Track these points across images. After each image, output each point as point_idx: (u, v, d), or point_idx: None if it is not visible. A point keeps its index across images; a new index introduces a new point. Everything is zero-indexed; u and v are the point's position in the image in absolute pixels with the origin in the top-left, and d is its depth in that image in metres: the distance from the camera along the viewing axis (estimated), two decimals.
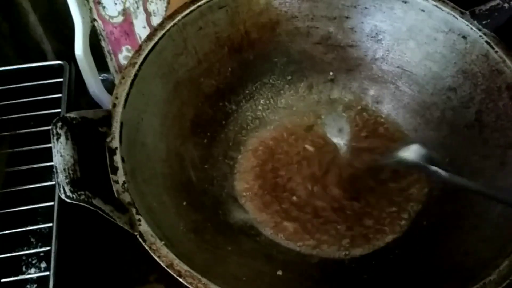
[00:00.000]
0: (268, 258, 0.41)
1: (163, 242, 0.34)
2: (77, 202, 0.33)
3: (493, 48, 0.44)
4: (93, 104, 0.64)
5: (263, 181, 0.48)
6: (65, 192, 0.33)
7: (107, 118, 0.39)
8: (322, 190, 0.46)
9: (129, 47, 0.61)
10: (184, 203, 0.42)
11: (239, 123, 0.52)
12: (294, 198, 0.46)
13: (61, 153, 0.35)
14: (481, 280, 0.33)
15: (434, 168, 0.39)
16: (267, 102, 0.54)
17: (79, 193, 0.33)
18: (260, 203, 0.46)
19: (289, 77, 0.54)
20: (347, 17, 0.51)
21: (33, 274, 0.42)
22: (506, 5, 0.44)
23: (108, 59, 0.63)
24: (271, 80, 0.54)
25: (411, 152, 0.41)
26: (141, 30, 0.60)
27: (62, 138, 0.35)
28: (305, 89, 0.54)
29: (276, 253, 0.43)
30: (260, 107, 0.53)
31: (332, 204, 0.46)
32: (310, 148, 0.50)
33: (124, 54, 0.62)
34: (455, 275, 0.36)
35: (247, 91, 0.53)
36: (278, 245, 0.44)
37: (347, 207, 0.46)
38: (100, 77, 0.63)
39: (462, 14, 0.46)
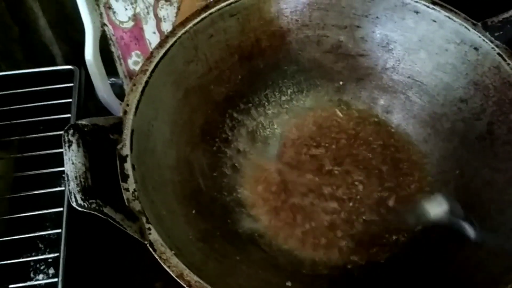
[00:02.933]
0: (276, 269, 0.41)
1: (173, 252, 0.34)
2: (88, 211, 0.33)
3: (505, 60, 0.44)
4: (101, 108, 0.64)
5: (271, 189, 0.47)
6: (76, 200, 0.33)
7: (118, 125, 0.39)
8: (332, 200, 0.46)
9: (139, 52, 0.62)
10: (193, 211, 0.42)
11: (249, 131, 0.52)
12: (303, 206, 0.46)
13: (72, 160, 0.35)
14: None
15: (462, 223, 0.39)
16: (277, 110, 0.53)
17: (90, 201, 0.33)
18: (269, 212, 0.46)
19: (299, 85, 0.54)
20: (358, 26, 0.51)
21: (41, 280, 0.42)
22: None
23: (118, 64, 0.63)
24: (281, 88, 0.54)
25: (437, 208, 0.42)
26: (151, 36, 0.60)
27: (74, 146, 0.35)
28: (315, 97, 0.54)
29: (285, 264, 0.42)
30: (269, 115, 0.53)
31: (341, 213, 0.46)
32: (319, 154, 0.50)
33: (134, 59, 0.62)
34: None
35: (256, 99, 0.53)
36: (287, 255, 0.43)
37: (357, 215, 0.46)
38: (109, 82, 0.63)
39: (474, 25, 0.46)
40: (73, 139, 0.36)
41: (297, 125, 0.52)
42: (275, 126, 0.53)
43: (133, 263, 0.54)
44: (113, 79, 0.69)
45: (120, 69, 0.63)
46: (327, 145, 0.50)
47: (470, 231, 0.39)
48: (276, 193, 0.47)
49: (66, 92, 0.52)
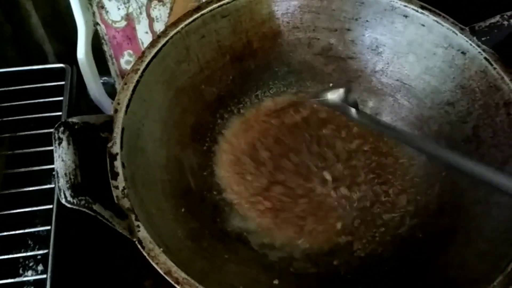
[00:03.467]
0: (264, 267, 0.42)
1: (161, 249, 0.34)
2: (77, 207, 0.34)
3: (491, 65, 0.45)
4: (93, 106, 0.65)
5: (258, 188, 0.48)
6: (65, 197, 0.33)
7: (109, 123, 0.39)
8: (320, 201, 0.47)
9: (131, 52, 0.62)
10: (183, 209, 0.42)
11: (239, 130, 0.52)
12: (292, 206, 0.47)
13: (62, 157, 0.35)
14: None
15: (352, 109, 0.45)
16: (267, 110, 0.54)
17: (79, 198, 0.33)
18: (257, 211, 0.47)
19: (290, 86, 0.55)
20: (348, 29, 0.52)
21: (30, 276, 0.42)
22: (505, 22, 0.45)
23: (110, 63, 0.63)
24: (271, 89, 0.54)
25: (336, 94, 0.46)
26: (144, 35, 0.60)
27: (64, 143, 0.36)
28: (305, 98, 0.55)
29: (273, 262, 0.43)
30: (260, 115, 0.53)
31: (328, 213, 0.46)
32: (310, 156, 0.50)
33: (126, 59, 0.62)
34: None
35: (247, 99, 0.53)
36: (275, 253, 0.44)
37: (344, 214, 0.46)
38: (101, 81, 0.63)
39: (462, 30, 0.47)
40: (63, 137, 0.36)
41: (288, 124, 0.53)
42: (266, 126, 0.53)
43: (123, 261, 0.54)
44: (105, 78, 0.69)
45: (112, 68, 0.63)
46: (314, 145, 0.51)
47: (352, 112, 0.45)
48: (265, 192, 0.47)
49: (58, 91, 0.53)
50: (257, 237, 0.45)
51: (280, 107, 0.53)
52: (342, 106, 0.47)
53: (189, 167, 0.46)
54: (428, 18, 0.48)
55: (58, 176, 0.34)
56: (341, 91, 0.47)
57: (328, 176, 0.48)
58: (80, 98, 0.61)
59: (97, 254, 0.50)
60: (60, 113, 0.50)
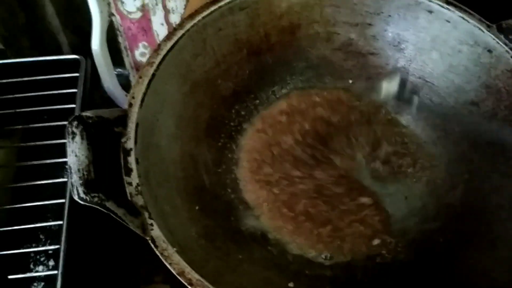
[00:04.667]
0: (279, 269, 0.41)
1: (175, 249, 0.33)
2: (90, 204, 0.33)
3: None
4: (107, 98, 0.64)
5: (274, 187, 0.47)
6: (78, 194, 0.33)
7: (123, 118, 0.39)
8: (337, 200, 0.46)
9: (146, 44, 0.61)
10: (197, 207, 0.41)
11: (255, 127, 0.51)
12: (308, 206, 0.45)
13: (76, 153, 0.34)
14: None
15: None
16: (284, 107, 0.53)
17: (92, 195, 0.33)
18: (272, 210, 0.45)
19: (308, 82, 0.53)
20: (369, 24, 0.50)
21: (40, 272, 0.41)
22: None
23: (124, 55, 0.62)
24: (289, 84, 0.53)
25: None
26: (159, 27, 0.59)
27: (78, 138, 0.35)
28: (323, 95, 0.53)
29: (287, 264, 0.42)
30: (277, 111, 0.52)
31: (344, 211, 0.45)
32: (326, 153, 0.49)
33: (141, 51, 0.61)
34: None
35: (264, 95, 0.52)
36: (290, 254, 0.43)
37: (362, 214, 0.45)
38: (115, 72, 0.63)
39: (488, 27, 0.45)
40: (77, 131, 0.35)
41: (305, 121, 0.51)
42: (282, 122, 0.52)
43: (133, 256, 0.54)
44: (119, 70, 0.68)
45: (127, 60, 0.63)
46: (334, 143, 0.49)
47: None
48: (280, 191, 0.46)
49: (72, 82, 0.52)
50: (272, 237, 0.44)
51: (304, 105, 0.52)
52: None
53: (203, 164, 0.45)
54: (453, 14, 0.46)
55: (71, 172, 0.33)
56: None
57: (350, 181, 0.47)
58: (94, 90, 0.61)
59: (108, 249, 0.50)
60: (73, 106, 0.50)
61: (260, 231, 0.44)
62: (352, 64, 0.52)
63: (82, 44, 0.62)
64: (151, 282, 0.56)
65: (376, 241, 0.43)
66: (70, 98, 0.51)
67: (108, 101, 0.64)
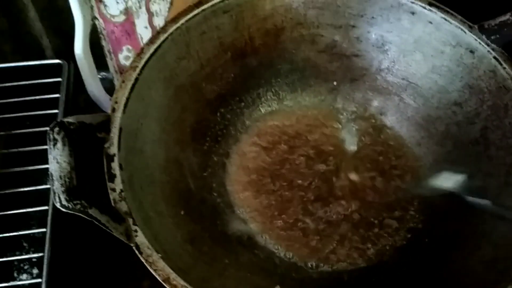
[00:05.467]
0: (266, 272, 0.41)
1: (160, 255, 0.33)
2: (72, 212, 0.32)
3: (501, 64, 0.43)
4: (91, 103, 0.63)
5: (260, 190, 0.47)
6: (60, 201, 0.32)
7: (106, 123, 0.38)
8: (322, 201, 0.46)
9: (130, 47, 0.60)
10: (182, 212, 0.41)
11: (240, 130, 0.51)
12: (294, 208, 0.45)
13: (57, 159, 0.34)
14: None
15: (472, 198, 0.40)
16: (269, 109, 0.53)
17: (74, 202, 0.32)
18: (260, 214, 0.45)
19: (292, 85, 0.53)
20: (353, 26, 0.50)
21: (24, 280, 0.40)
22: None
23: (108, 59, 0.61)
24: (274, 88, 0.53)
25: (444, 180, 0.42)
26: (143, 30, 0.59)
27: (59, 144, 0.34)
28: (308, 97, 0.53)
29: (274, 267, 0.42)
30: (262, 114, 0.52)
31: (330, 215, 0.45)
32: (311, 155, 0.49)
33: (125, 54, 0.61)
34: None
35: (249, 98, 0.52)
36: (276, 257, 0.43)
37: (347, 218, 0.45)
38: (99, 76, 0.62)
39: (470, 28, 0.45)
40: (59, 137, 0.35)
41: (290, 124, 0.51)
42: (268, 126, 0.52)
43: (121, 261, 0.53)
44: (103, 73, 0.68)
45: (111, 64, 0.62)
46: (320, 145, 0.49)
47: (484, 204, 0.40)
48: (266, 195, 0.46)
49: (55, 87, 0.51)
50: (259, 241, 0.44)
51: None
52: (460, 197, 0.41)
53: (188, 168, 0.45)
54: (436, 15, 0.46)
55: (52, 179, 0.33)
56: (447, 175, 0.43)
57: (336, 185, 0.47)
58: (79, 94, 0.60)
59: (94, 255, 0.49)
60: (56, 111, 0.49)
61: (247, 235, 0.44)
62: (336, 66, 0.53)
63: (66, 48, 0.61)
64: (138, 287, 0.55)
65: (360, 245, 0.43)
66: (53, 103, 0.50)
67: (92, 106, 0.63)
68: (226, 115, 0.50)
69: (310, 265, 0.42)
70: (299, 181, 0.47)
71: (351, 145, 0.50)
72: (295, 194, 0.46)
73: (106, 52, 0.61)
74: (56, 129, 0.35)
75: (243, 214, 0.45)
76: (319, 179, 0.47)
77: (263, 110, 0.52)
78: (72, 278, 0.45)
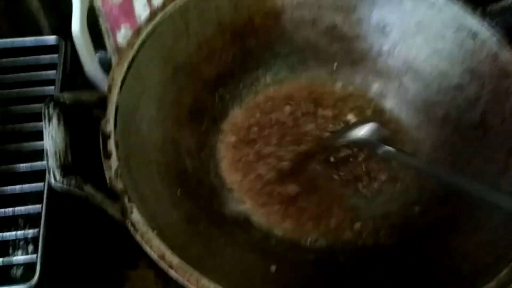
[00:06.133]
0: (262, 252, 0.41)
1: (155, 233, 0.33)
2: (67, 188, 0.32)
3: (503, 49, 0.43)
4: (89, 83, 0.63)
5: (256, 170, 0.47)
6: (55, 177, 0.32)
7: (102, 100, 0.38)
8: (320, 181, 0.46)
9: (128, 26, 0.60)
10: (178, 192, 0.41)
11: (240, 111, 0.51)
12: (290, 189, 0.45)
13: (52, 135, 0.34)
14: (479, 287, 0.32)
15: (386, 147, 0.42)
16: (268, 90, 0.52)
17: (69, 178, 0.32)
18: (256, 194, 0.45)
19: (292, 67, 0.53)
20: (354, 8, 0.50)
21: (19, 256, 0.40)
22: None
23: (106, 37, 0.61)
24: (273, 69, 0.52)
25: (365, 131, 0.43)
26: (142, 9, 0.58)
27: (54, 120, 0.34)
28: (307, 79, 0.53)
29: (270, 248, 0.42)
30: (260, 95, 0.52)
31: (329, 194, 0.45)
32: (309, 135, 0.49)
33: (123, 33, 0.60)
34: (453, 280, 0.35)
35: (248, 79, 0.52)
36: (273, 238, 0.43)
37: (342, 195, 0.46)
38: (97, 56, 0.61)
39: (473, 11, 0.45)
40: (54, 114, 0.35)
41: (288, 105, 0.51)
42: (266, 106, 0.51)
43: (117, 241, 0.53)
44: (101, 53, 0.67)
45: (109, 43, 0.61)
46: (318, 127, 0.49)
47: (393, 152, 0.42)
48: (263, 175, 0.46)
49: (51, 65, 0.51)
50: (255, 222, 0.44)
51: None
52: (374, 144, 0.43)
53: (185, 148, 0.45)
54: None
55: (47, 155, 0.33)
56: (371, 126, 0.44)
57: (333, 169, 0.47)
58: (76, 74, 0.59)
59: (90, 233, 0.49)
60: (52, 87, 0.48)
61: (244, 216, 0.44)
62: (337, 48, 0.52)
63: (64, 27, 0.60)
64: (135, 267, 0.55)
65: (357, 225, 0.43)
66: (49, 81, 0.49)
67: (90, 86, 0.62)
68: (224, 96, 0.50)
69: (307, 243, 0.42)
70: (300, 163, 0.47)
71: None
72: (295, 175, 0.46)
73: (104, 31, 0.60)
74: (51, 104, 0.35)
75: (240, 195, 0.45)
76: (315, 159, 0.47)
77: (261, 91, 0.52)
78: (67, 255, 0.45)
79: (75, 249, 0.48)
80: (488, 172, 0.41)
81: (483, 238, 0.37)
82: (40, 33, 0.71)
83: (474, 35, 0.45)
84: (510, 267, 0.33)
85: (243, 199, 0.45)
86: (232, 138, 0.48)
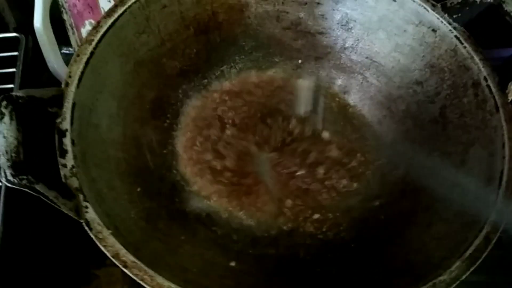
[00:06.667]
0: (223, 248, 0.41)
1: (110, 231, 0.33)
2: (18, 187, 0.32)
3: (462, 43, 0.43)
4: (55, 80, 0.62)
5: (215, 165, 0.46)
6: (6, 176, 0.32)
7: (58, 97, 0.37)
8: (281, 175, 0.46)
9: (93, 21, 0.59)
10: (138, 189, 0.40)
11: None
12: (252, 184, 0.45)
13: (4, 134, 0.33)
14: (431, 280, 0.32)
15: None
16: (233, 86, 0.52)
17: (20, 177, 0.32)
18: (215, 188, 0.45)
19: (257, 62, 0.53)
20: (318, 3, 0.50)
21: None
22: None
23: (70, 33, 0.60)
24: (238, 65, 0.52)
25: None
26: (106, 4, 0.57)
27: (6, 118, 0.34)
28: (272, 75, 0.53)
29: (231, 243, 0.42)
30: (224, 91, 0.52)
31: (289, 188, 0.46)
32: (273, 129, 0.49)
33: (87, 29, 0.59)
34: (406, 272, 0.35)
35: (212, 75, 0.51)
36: (235, 234, 0.43)
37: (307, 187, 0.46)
38: (62, 52, 0.60)
39: (433, 6, 0.45)
40: (6, 112, 0.34)
41: (252, 100, 0.51)
42: (230, 101, 0.51)
43: (83, 239, 0.52)
44: (67, 49, 0.66)
45: (73, 39, 0.60)
46: (282, 120, 0.49)
47: None
48: (225, 172, 0.46)
49: (11, 61, 0.50)
50: (217, 218, 0.44)
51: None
52: None
53: (147, 145, 0.45)
54: None
55: None
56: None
57: (291, 159, 0.47)
58: (42, 71, 0.58)
59: (56, 232, 0.48)
60: (12, 86, 0.48)
61: (206, 212, 0.44)
62: (301, 43, 0.52)
63: (29, 22, 0.59)
64: (102, 266, 0.55)
65: (316, 216, 0.44)
66: (10, 77, 0.48)
67: (56, 83, 0.61)
68: (188, 92, 0.50)
69: (268, 236, 0.43)
70: (258, 158, 0.47)
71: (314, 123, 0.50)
72: (253, 171, 0.46)
73: (68, 27, 0.59)
74: (4, 102, 0.34)
75: (202, 191, 0.45)
76: (279, 151, 0.47)
77: (226, 87, 0.52)
78: (33, 254, 0.44)
79: (40, 248, 0.47)
80: (445, 166, 0.42)
81: (438, 231, 0.38)
82: (6, 29, 0.69)
83: (434, 30, 0.45)
84: (462, 260, 0.33)
85: (205, 195, 0.45)
86: (191, 134, 0.48)
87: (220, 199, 0.45)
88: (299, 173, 0.46)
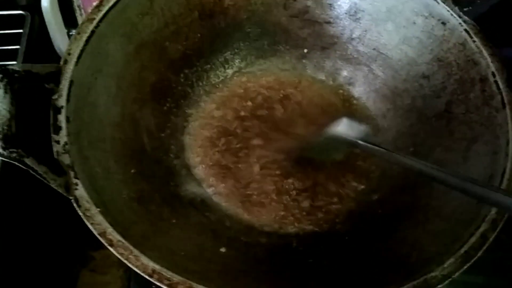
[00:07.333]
0: (214, 234, 0.40)
1: (99, 209, 0.33)
2: (8, 160, 0.32)
3: (471, 37, 0.42)
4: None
5: (219, 153, 0.46)
6: None
7: (56, 74, 0.37)
8: (280, 168, 0.45)
9: None
10: (133, 170, 0.40)
11: (205, 93, 0.50)
12: (251, 174, 0.45)
13: None
14: (423, 275, 0.32)
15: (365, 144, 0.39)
16: (236, 73, 0.51)
17: (11, 150, 0.32)
18: (216, 177, 0.45)
19: (262, 50, 0.52)
20: None
21: None
22: None
23: (78, 14, 0.60)
24: (242, 51, 0.52)
25: (341, 128, 0.41)
26: None
27: (0, 91, 0.33)
28: (277, 63, 0.52)
29: (224, 230, 0.41)
30: (228, 78, 0.51)
31: (288, 180, 0.45)
32: (274, 121, 0.48)
33: None
34: (399, 267, 0.35)
35: (216, 60, 0.51)
36: (228, 221, 0.42)
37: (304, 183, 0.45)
38: (70, 34, 0.60)
39: None
40: (1, 84, 0.34)
41: (256, 90, 0.50)
42: (234, 90, 0.51)
43: (80, 221, 0.53)
44: (73, 30, 0.66)
45: (80, 20, 0.60)
46: (281, 109, 0.49)
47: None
48: (225, 158, 0.45)
49: (16, 38, 0.50)
50: (213, 204, 0.43)
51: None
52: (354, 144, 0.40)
53: (145, 127, 0.44)
54: None
55: None
56: (344, 122, 0.41)
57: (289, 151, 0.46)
58: (51, 51, 0.59)
59: (54, 213, 0.48)
60: (15, 63, 0.48)
61: (200, 197, 0.43)
62: (308, 32, 0.51)
63: (38, 1, 0.59)
64: (99, 248, 0.55)
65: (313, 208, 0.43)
66: (14, 54, 0.48)
67: None
68: (190, 76, 0.49)
69: (258, 228, 0.42)
70: (258, 148, 0.46)
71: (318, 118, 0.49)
72: (253, 160, 0.45)
73: (76, 7, 0.59)
74: None
75: (199, 176, 0.45)
76: (279, 143, 0.46)
77: (230, 74, 0.51)
78: (30, 235, 0.44)
79: (37, 228, 0.47)
80: (448, 161, 0.41)
81: (435, 227, 0.37)
82: (15, 7, 0.69)
83: (444, 23, 0.44)
84: (455, 257, 0.32)
85: (205, 181, 0.45)
86: (197, 121, 0.47)
87: (218, 187, 0.44)
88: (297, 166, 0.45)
